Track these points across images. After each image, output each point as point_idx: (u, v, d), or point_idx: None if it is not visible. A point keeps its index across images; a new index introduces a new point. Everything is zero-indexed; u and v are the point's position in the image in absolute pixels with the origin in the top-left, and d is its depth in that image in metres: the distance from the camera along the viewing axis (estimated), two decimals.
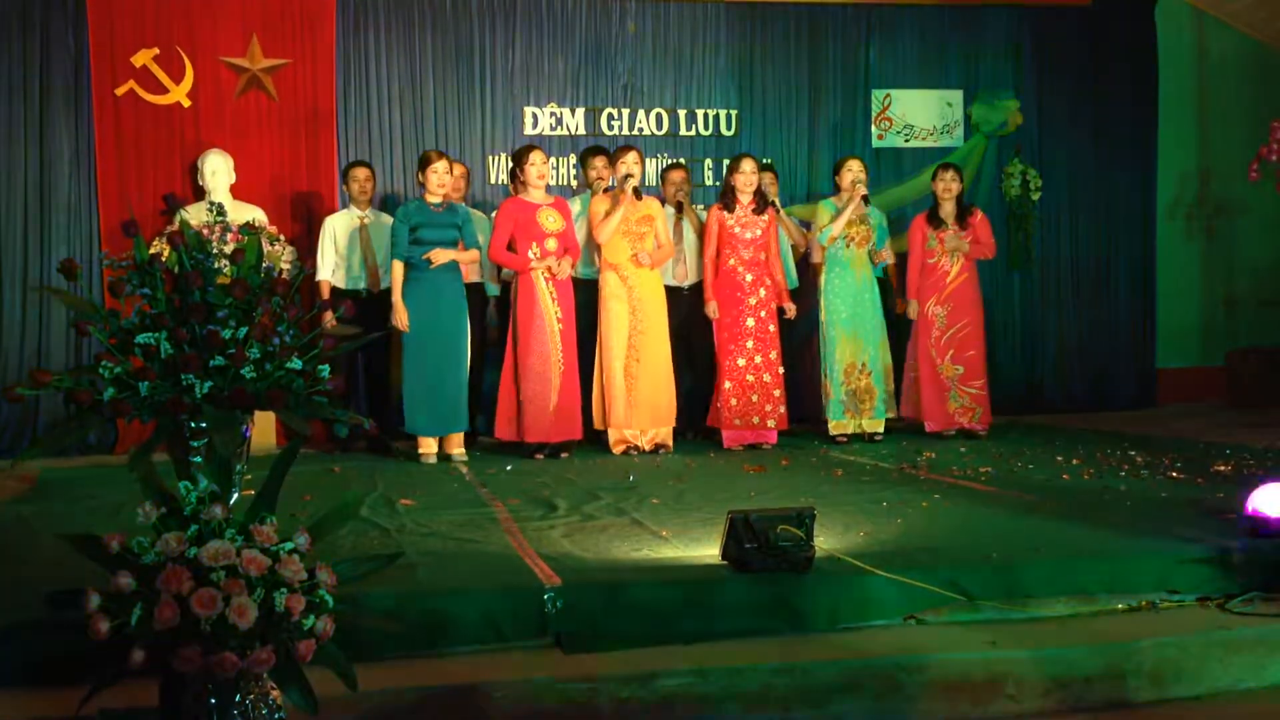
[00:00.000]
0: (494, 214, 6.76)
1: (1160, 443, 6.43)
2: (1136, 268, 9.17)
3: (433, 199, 6.38)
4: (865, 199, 7.00)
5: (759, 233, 6.81)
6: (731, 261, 6.79)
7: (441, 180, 6.37)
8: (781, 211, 7.20)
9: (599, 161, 7.13)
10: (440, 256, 6.29)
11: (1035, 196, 8.83)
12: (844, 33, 8.77)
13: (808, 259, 7.60)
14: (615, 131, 8.33)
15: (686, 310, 7.02)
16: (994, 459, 5.99)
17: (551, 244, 6.45)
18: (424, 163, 6.42)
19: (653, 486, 5.19)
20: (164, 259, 2.89)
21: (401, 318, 6.26)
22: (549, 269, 6.40)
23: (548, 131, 8.28)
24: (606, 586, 3.26)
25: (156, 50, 7.60)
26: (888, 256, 7.28)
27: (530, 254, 6.42)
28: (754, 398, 6.71)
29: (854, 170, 7.05)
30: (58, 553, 3.74)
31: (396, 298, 6.30)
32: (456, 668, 2.96)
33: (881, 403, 6.98)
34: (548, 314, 6.42)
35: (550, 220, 6.48)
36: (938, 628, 3.30)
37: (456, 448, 6.43)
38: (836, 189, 7.21)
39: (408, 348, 6.33)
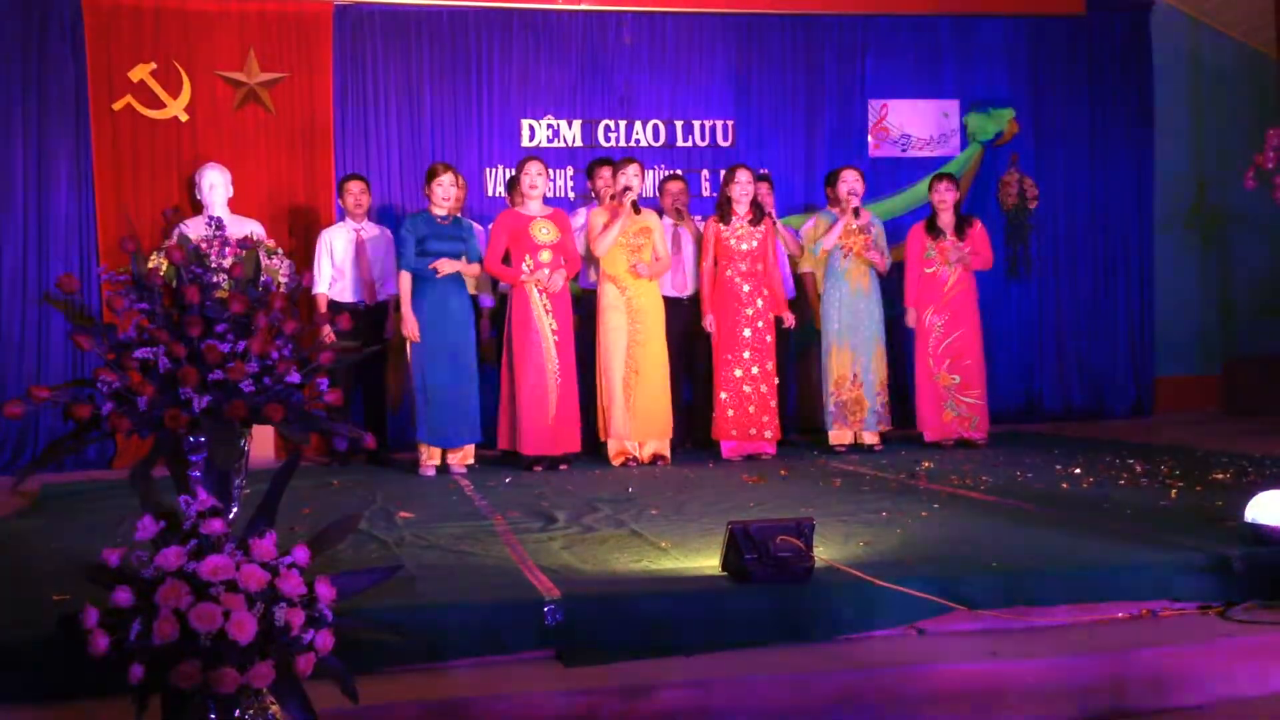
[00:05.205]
0: (489, 226, 6.77)
1: (1159, 451, 6.43)
2: (1134, 276, 9.18)
3: (439, 211, 6.39)
4: (856, 210, 6.97)
5: (755, 243, 6.80)
6: (729, 272, 6.78)
7: (447, 193, 6.38)
8: (778, 222, 7.19)
9: (605, 172, 7.12)
10: (446, 267, 6.29)
11: (1032, 206, 8.84)
12: (840, 43, 8.78)
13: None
14: (612, 143, 8.33)
15: (687, 321, 7.01)
16: (993, 468, 5.99)
17: (545, 256, 6.43)
18: (430, 175, 6.42)
19: (652, 498, 5.18)
20: (162, 273, 2.90)
21: (412, 327, 6.26)
22: (538, 281, 6.40)
23: (545, 143, 8.28)
24: (606, 598, 3.25)
25: (154, 65, 7.61)
26: (884, 264, 7.16)
27: (524, 266, 6.42)
28: (751, 409, 6.70)
29: (849, 180, 7.01)
30: (58, 569, 3.74)
31: (406, 309, 6.30)
32: (456, 681, 2.95)
33: (872, 414, 6.93)
34: (542, 326, 6.41)
35: (543, 232, 6.46)
36: (938, 637, 3.30)
37: (467, 460, 6.42)
38: (831, 200, 7.19)
39: (416, 358, 6.32)
